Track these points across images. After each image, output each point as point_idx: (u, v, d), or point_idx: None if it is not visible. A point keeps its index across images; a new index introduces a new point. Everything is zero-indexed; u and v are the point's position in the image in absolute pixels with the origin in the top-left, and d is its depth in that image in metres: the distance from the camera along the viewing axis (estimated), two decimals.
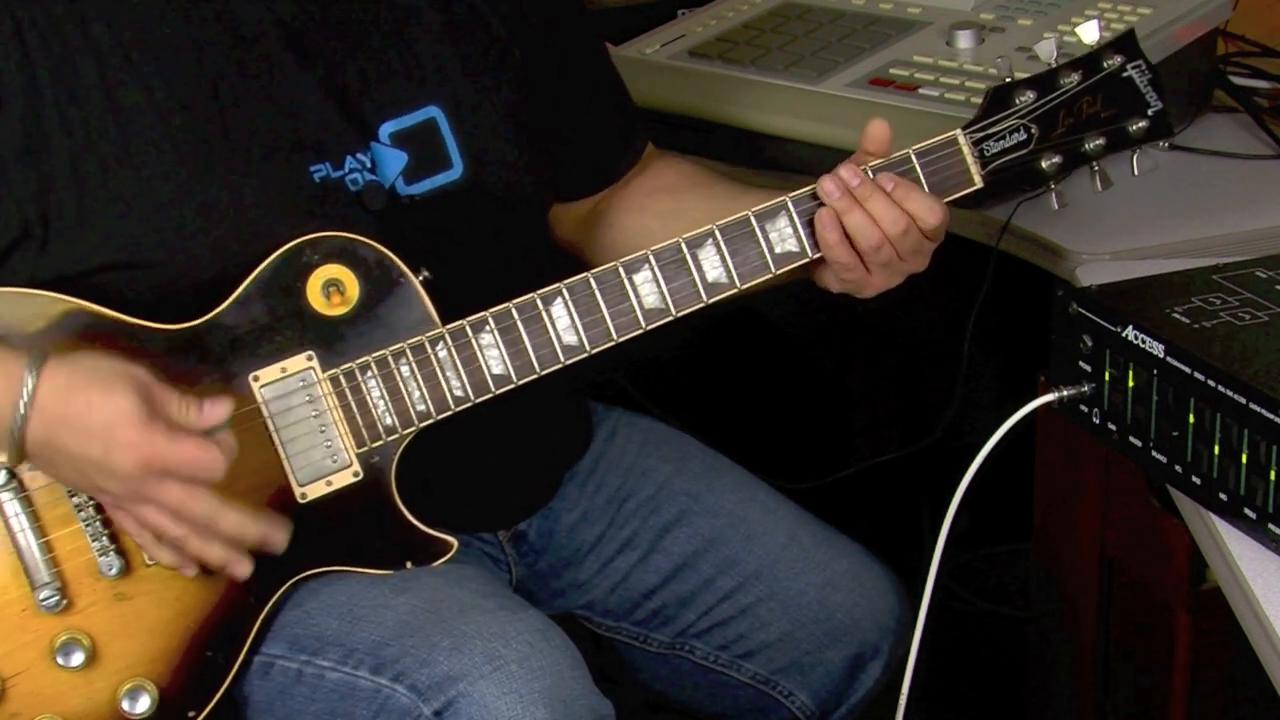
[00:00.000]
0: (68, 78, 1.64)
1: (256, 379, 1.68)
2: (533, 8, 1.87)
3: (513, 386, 1.71)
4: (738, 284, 1.73)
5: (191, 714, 1.70)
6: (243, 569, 1.68)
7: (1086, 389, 1.76)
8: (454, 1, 1.81)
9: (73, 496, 1.66)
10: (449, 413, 1.71)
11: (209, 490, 1.62)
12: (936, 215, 1.72)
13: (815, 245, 1.74)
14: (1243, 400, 1.57)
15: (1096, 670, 2.04)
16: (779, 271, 1.74)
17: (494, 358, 1.70)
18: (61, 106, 1.64)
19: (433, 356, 1.70)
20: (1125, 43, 1.79)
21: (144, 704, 1.68)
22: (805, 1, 2.46)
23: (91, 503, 1.66)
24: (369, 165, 1.74)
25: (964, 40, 2.29)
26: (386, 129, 1.75)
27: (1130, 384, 1.70)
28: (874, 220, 1.71)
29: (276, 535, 1.67)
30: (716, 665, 1.97)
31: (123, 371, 1.59)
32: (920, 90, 2.19)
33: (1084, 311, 1.75)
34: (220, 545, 1.65)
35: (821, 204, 1.73)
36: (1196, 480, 1.64)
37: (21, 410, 1.57)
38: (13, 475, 1.65)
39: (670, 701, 2.05)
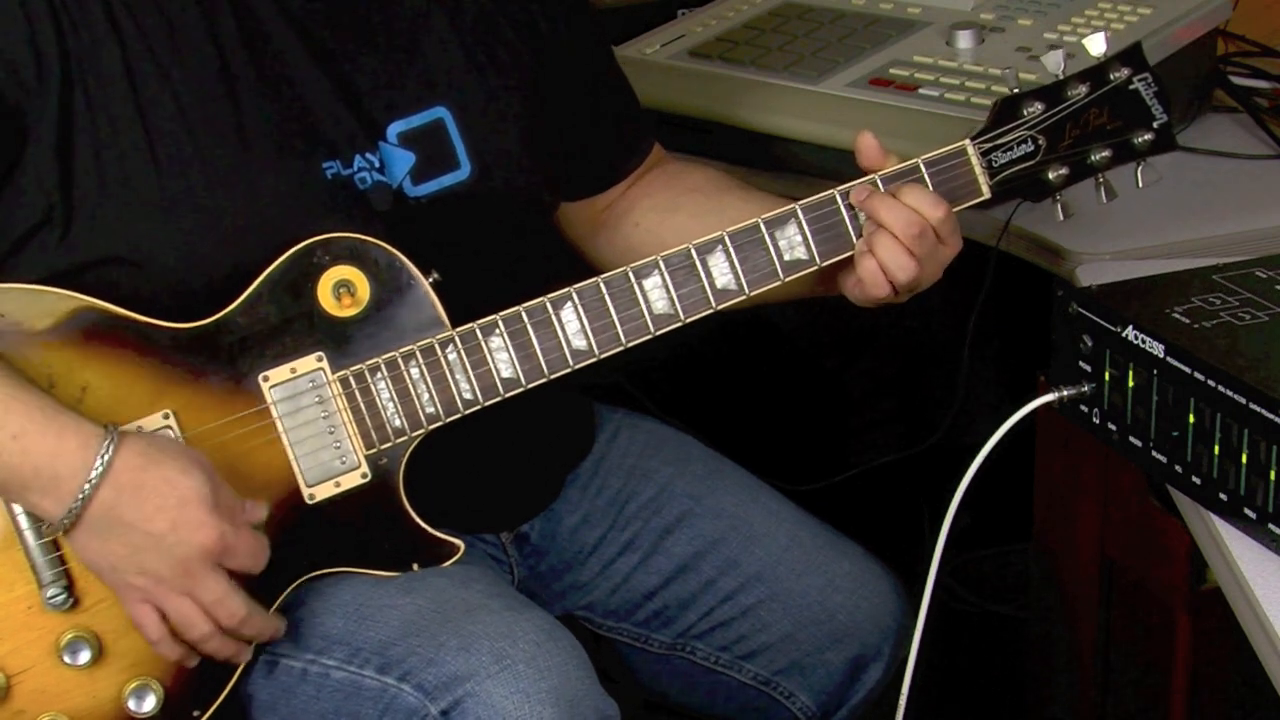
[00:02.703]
0: (95, 62, 1.64)
1: (266, 379, 1.68)
2: (541, 9, 1.87)
3: (522, 390, 1.72)
4: (746, 291, 1.74)
5: (196, 713, 1.70)
6: (247, 657, 1.70)
7: (1086, 389, 1.77)
8: (463, 2, 1.81)
9: None
10: (458, 415, 1.71)
11: (242, 592, 1.64)
12: (940, 209, 1.73)
13: (824, 253, 1.75)
14: (1243, 400, 1.57)
15: (1096, 670, 2.05)
16: (788, 279, 1.75)
17: (503, 361, 1.71)
18: (89, 92, 1.64)
19: (442, 359, 1.70)
20: (1132, 55, 1.80)
21: (149, 703, 1.68)
22: (805, 1, 2.46)
23: None
24: (377, 165, 1.74)
25: (964, 40, 2.29)
26: (394, 129, 1.75)
27: (1130, 384, 1.71)
28: (910, 208, 1.72)
29: (281, 633, 1.70)
30: (717, 666, 1.97)
31: (195, 454, 1.62)
32: (920, 90, 2.19)
33: (1084, 311, 1.76)
34: (235, 642, 1.67)
35: (831, 212, 1.74)
36: (1196, 480, 1.65)
37: (94, 476, 1.58)
38: None
39: (671, 702, 2.05)
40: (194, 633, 1.64)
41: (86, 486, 1.58)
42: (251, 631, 1.67)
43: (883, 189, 1.74)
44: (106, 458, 1.58)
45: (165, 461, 1.60)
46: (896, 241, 1.72)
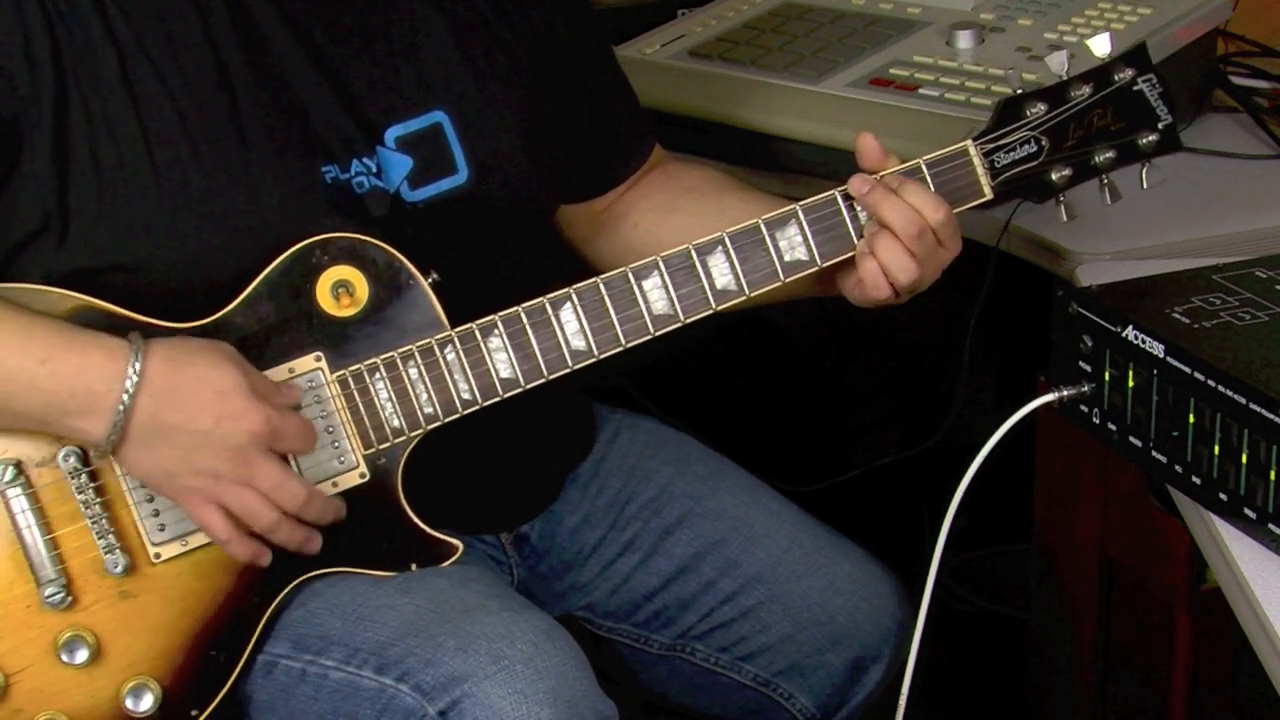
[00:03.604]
0: (91, 68, 1.64)
1: None
2: (539, 11, 1.87)
3: (520, 390, 1.72)
4: (746, 291, 1.74)
5: (194, 713, 1.70)
6: (317, 545, 1.70)
7: (1086, 389, 1.76)
8: (460, 6, 1.81)
9: (79, 493, 1.66)
10: (456, 416, 1.71)
11: (299, 475, 1.65)
12: (940, 210, 1.72)
13: (824, 254, 1.75)
14: (1243, 400, 1.57)
15: (1096, 670, 2.05)
16: (788, 280, 1.75)
17: (502, 361, 1.71)
18: (85, 96, 1.64)
19: (441, 359, 1.70)
20: (1136, 56, 1.79)
21: (147, 702, 1.68)
22: (805, 1, 2.46)
23: (98, 500, 1.66)
24: (374, 169, 1.74)
25: (964, 40, 2.29)
26: (392, 133, 1.75)
27: (1130, 384, 1.71)
28: (911, 206, 1.72)
29: (343, 513, 1.70)
30: (717, 667, 1.97)
31: (220, 346, 1.63)
32: (920, 90, 2.19)
33: (1084, 311, 1.76)
34: (303, 529, 1.67)
35: (832, 212, 1.73)
36: (1196, 480, 1.65)
37: (130, 386, 1.58)
38: (20, 471, 1.65)
39: (670, 703, 2.05)
40: (261, 521, 1.64)
41: (125, 397, 1.58)
42: (314, 514, 1.67)
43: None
44: (138, 366, 1.58)
45: (194, 360, 1.61)
46: (898, 243, 1.72)
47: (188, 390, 1.60)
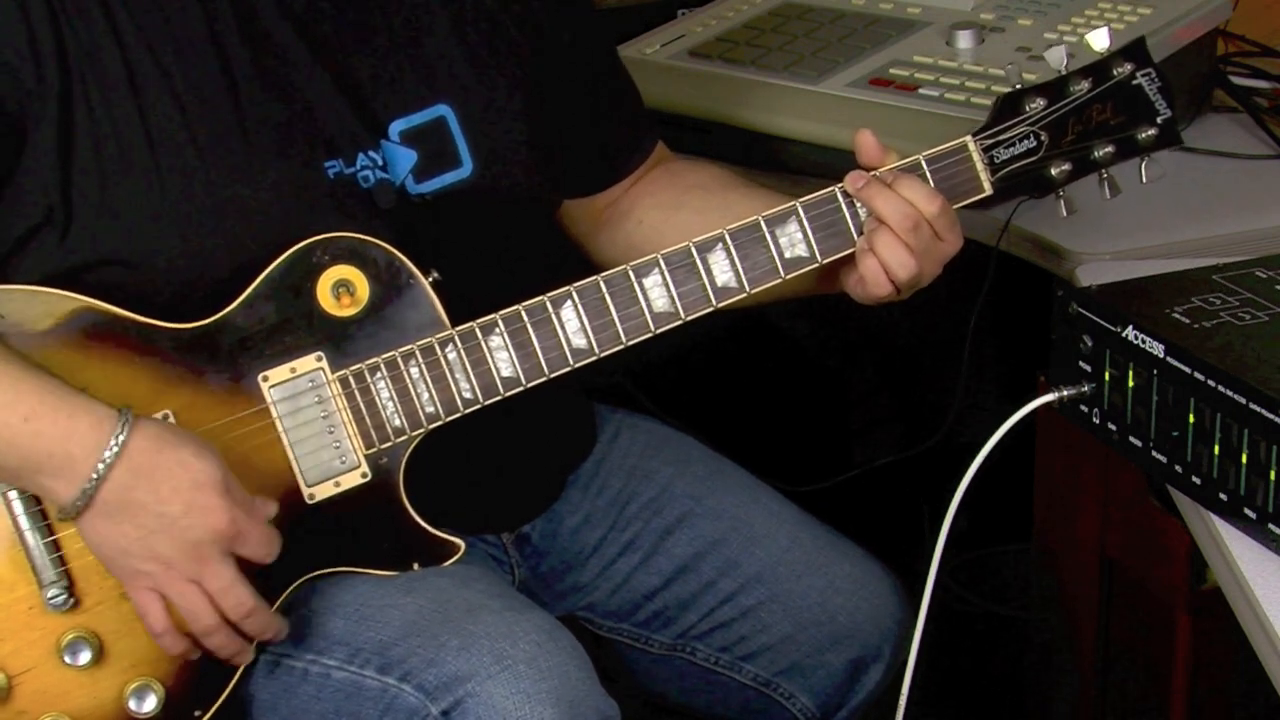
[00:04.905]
0: (95, 63, 1.64)
1: (265, 379, 1.68)
2: (543, 5, 1.87)
3: (522, 389, 1.72)
4: (747, 288, 1.74)
5: (197, 713, 1.70)
6: (249, 658, 1.69)
7: (1086, 389, 1.77)
8: (464, 0, 1.81)
9: None
10: (458, 415, 1.71)
11: (249, 585, 1.64)
12: (934, 203, 1.72)
13: (825, 250, 1.75)
14: (1243, 400, 1.57)
15: (1096, 670, 2.05)
16: (788, 276, 1.75)
17: (503, 360, 1.71)
18: (88, 90, 1.64)
19: (442, 358, 1.70)
20: (1135, 50, 1.79)
21: (150, 703, 1.68)
22: (805, 1, 2.46)
23: None
24: (380, 163, 1.74)
25: (964, 40, 2.29)
26: (396, 127, 1.75)
27: (1130, 384, 1.71)
28: (905, 199, 1.72)
29: (284, 633, 1.69)
30: (717, 667, 1.97)
31: (205, 441, 1.62)
32: (920, 90, 2.19)
33: (1084, 311, 1.76)
34: (239, 640, 1.67)
35: (832, 209, 1.74)
36: (1196, 480, 1.65)
37: (109, 456, 1.58)
38: None
39: (671, 703, 2.05)
40: (199, 624, 1.64)
41: (100, 467, 1.58)
42: (256, 628, 1.67)
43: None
44: (122, 438, 1.58)
45: (179, 445, 1.61)
46: (896, 239, 1.72)
47: (165, 473, 1.59)
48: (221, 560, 1.62)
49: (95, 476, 1.58)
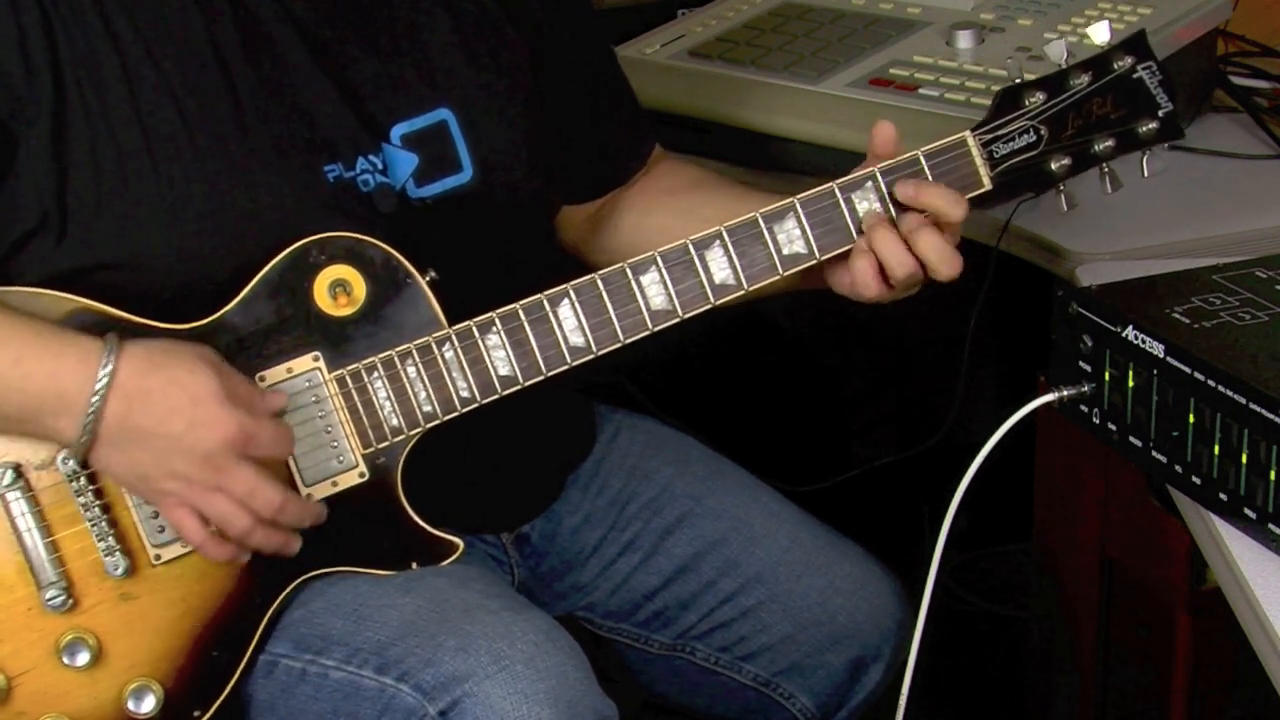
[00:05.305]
0: (91, 67, 1.64)
1: (263, 379, 1.68)
2: (544, 11, 1.87)
3: (519, 388, 1.71)
4: (745, 285, 1.73)
5: (196, 713, 1.70)
6: (296, 547, 1.69)
7: (1086, 389, 1.76)
8: (465, 4, 1.81)
9: (79, 496, 1.66)
10: (455, 414, 1.71)
11: (275, 477, 1.64)
12: (961, 208, 1.72)
13: (823, 247, 1.74)
14: (1243, 400, 1.57)
15: (1096, 670, 2.05)
16: (786, 273, 1.74)
17: (500, 359, 1.71)
18: (84, 94, 1.64)
19: (439, 357, 1.70)
20: (1136, 43, 1.78)
21: (149, 703, 1.68)
22: (805, 1, 2.46)
23: (98, 502, 1.66)
24: (380, 167, 1.74)
25: (964, 40, 2.29)
26: (397, 130, 1.75)
27: (1130, 384, 1.70)
28: (910, 250, 1.71)
29: (323, 517, 1.69)
30: (717, 667, 1.97)
31: (199, 351, 1.62)
32: (920, 90, 2.19)
33: (1084, 311, 1.75)
34: (280, 533, 1.67)
35: (830, 205, 1.73)
36: (1196, 480, 1.65)
37: (100, 388, 1.58)
38: (19, 475, 1.65)
39: (671, 703, 2.05)
40: (235, 527, 1.64)
41: (95, 400, 1.58)
42: (291, 518, 1.66)
43: (881, 181, 1.73)
44: (110, 368, 1.58)
45: (170, 364, 1.60)
46: (897, 238, 1.71)
47: (160, 393, 1.59)
48: (238, 465, 1.62)
49: (91, 410, 1.58)
